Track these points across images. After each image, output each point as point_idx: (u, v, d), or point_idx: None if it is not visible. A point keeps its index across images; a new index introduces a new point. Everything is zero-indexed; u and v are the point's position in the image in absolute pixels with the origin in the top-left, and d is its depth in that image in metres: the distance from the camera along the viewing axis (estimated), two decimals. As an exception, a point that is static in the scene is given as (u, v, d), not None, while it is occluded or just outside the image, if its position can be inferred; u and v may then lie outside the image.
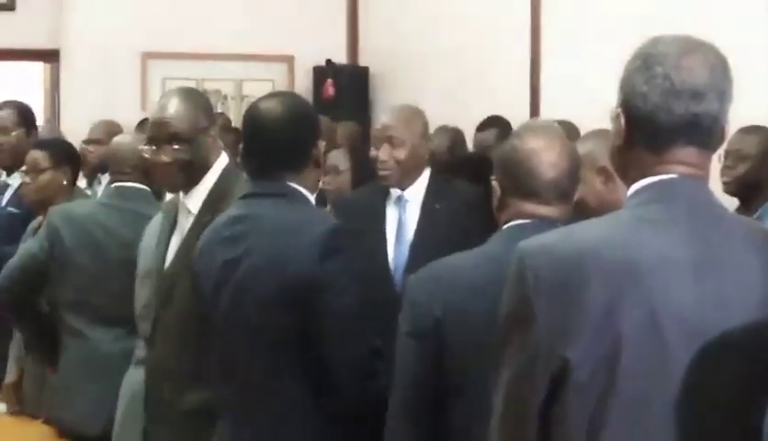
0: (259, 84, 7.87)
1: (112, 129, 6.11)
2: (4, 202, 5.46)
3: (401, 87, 8.18)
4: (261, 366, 2.91)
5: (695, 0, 5.50)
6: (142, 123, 6.13)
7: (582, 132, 3.89)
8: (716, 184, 4.15)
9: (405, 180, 4.27)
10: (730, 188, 4.51)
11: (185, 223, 3.40)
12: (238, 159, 3.40)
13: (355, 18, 8.88)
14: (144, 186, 4.29)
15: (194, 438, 3.19)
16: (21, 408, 4.68)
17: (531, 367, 1.94)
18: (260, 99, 3.10)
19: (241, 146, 3.16)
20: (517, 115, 5.90)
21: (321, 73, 8.59)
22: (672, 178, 2.01)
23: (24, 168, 4.92)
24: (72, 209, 4.44)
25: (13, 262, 4.40)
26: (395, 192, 4.30)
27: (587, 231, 2.02)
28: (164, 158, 3.38)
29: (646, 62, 2.02)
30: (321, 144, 3.10)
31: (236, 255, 2.95)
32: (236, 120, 6.63)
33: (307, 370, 2.86)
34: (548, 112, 6.33)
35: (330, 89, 8.46)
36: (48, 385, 4.44)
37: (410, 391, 2.55)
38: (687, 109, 1.99)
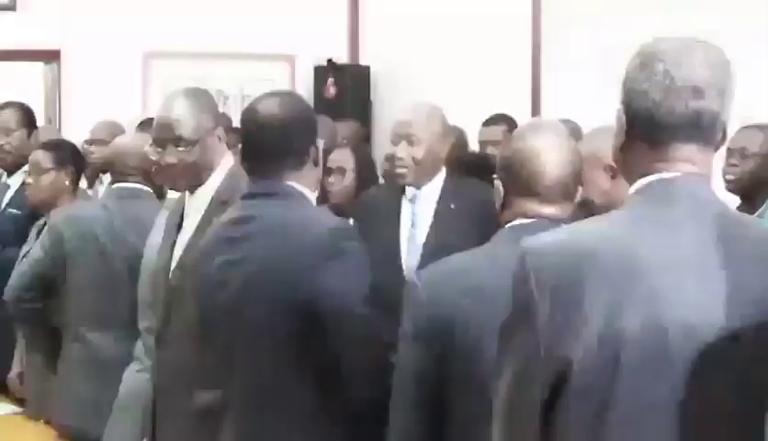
0: (260, 84, 7.84)
1: (113, 129, 6.11)
2: (4, 204, 5.45)
3: (403, 87, 8.17)
4: (264, 366, 2.91)
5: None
6: (144, 123, 6.12)
7: (585, 131, 3.89)
8: (717, 181, 4.14)
9: (421, 179, 4.26)
10: (734, 186, 4.51)
11: (190, 224, 3.40)
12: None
13: (356, 18, 8.87)
14: (146, 187, 4.28)
15: (204, 438, 3.18)
16: (23, 409, 4.68)
17: (532, 368, 1.93)
18: (257, 99, 3.09)
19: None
20: (519, 114, 5.91)
21: (322, 73, 8.58)
22: (673, 176, 2.00)
23: (27, 169, 4.92)
24: (74, 211, 4.45)
25: (21, 269, 4.39)
26: (410, 190, 4.29)
27: (588, 231, 2.01)
28: (170, 159, 3.37)
29: (647, 59, 2.02)
30: (321, 143, 3.09)
31: (237, 256, 2.94)
32: (237, 120, 6.63)
33: (312, 371, 2.86)
34: (550, 111, 6.33)
35: (331, 89, 8.45)
36: (49, 387, 4.44)
37: (412, 392, 2.54)
38: (688, 107, 1.99)
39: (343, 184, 5.20)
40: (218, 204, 3.28)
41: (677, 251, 1.92)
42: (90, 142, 6.24)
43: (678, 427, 1.88)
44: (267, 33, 8.52)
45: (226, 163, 3.43)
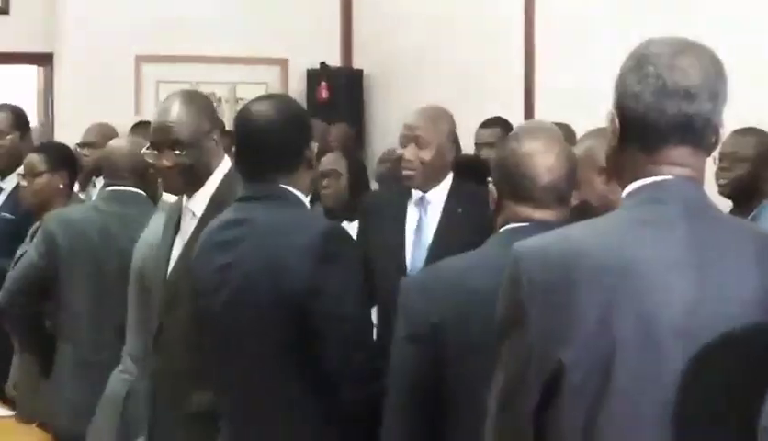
0: (253, 87, 7.86)
1: (106, 132, 6.11)
2: (-4, 207, 5.45)
3: (396, 90, 8.18)
4: (258, 368, 2.91)
5: (692, 0, 5.50)
6: (137, 126, 6.12)
7: (578, 135, 3.88)
8: (709, 186, 4.14)
9: (429, 182, 4.23)
10: (726, 190, 4.51)
11: (188, 227, 3.40)
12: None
13: (349, 21, 8.87)
14: (140, 191, 4.28)
15: (200, 440, 3.18)
16: (14, 412, 4.67)
17: (524, 370, 1.94)
18: (251, 102, 3.09)
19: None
20: (512, 117, 5.91)
21: (315, 76, 8.59)
22: (666, 179, 2.00)
23: (21, 171, 4.91)
24: (68, 213, 4.44)
25: (16, 273, 4.38)
26: (417, 193, 4.27)
27: (581, 234, 2.01)
28: (166, 162, 3.37)
29: (639, 62, 2.03)
30: (314, 146, 3.09)
31: (230, 259, 2.95)
32: (230, 124, 6.64)
33: (306, 373, 2.86)
34: (543, 115, 6.33)
35: (324, 92, 8.45)
36: (42, 389, 4.43)
37: (406, 395, 2.54)
38: (680, 110, 1.99)
39: (336, 187, 5.21)
40: (215, 207, 3.28)
41: (669, 253, 1.93)
42: (82, 145, 6.23)
43: (670, 427, 1.88)
44: (260, 36, 8.52)
45: (223, 167, 3.43)
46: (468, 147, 5.91)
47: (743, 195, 4.49)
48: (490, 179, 2.65)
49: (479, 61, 7.24)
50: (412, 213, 4.26)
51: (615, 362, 1.88)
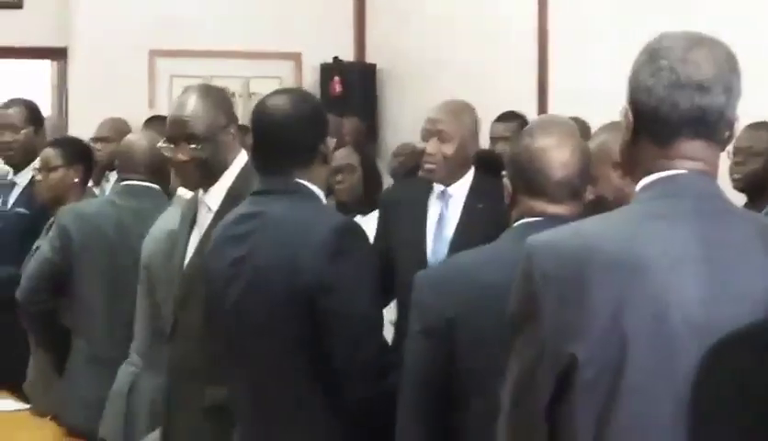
0: (266, 82, 7.85)
1: (120, 126, 6.12)
2: (11, 202, 5.44)
3: (409, 85, 8.18)
4: (270, 364, 2.91)
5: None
6: (150, 121, 6.13)
7: (592, 129, 3.88)
8: (723, 179, 4.14)
9: (450, 176, 4.21)
10: (740, 185, 4.51)
11: (204, 221, 3.40)
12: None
13: (362, 15, 8.87)
14: (154, 184, 4.29)
15: (215, 435, 3.19)
16: (29, 406, 4.68)
17: (537, 365, 1.94)
18: (268, 96, 3.10)
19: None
20: (526, 111, 5.90)
21: (328, 71, 8.58)
22: (679, 173, 2.00)
23: (36, 165, 4.92)
24: (82, 208, 4.45)
25: (31, 269, 4.39)
26: (438, 187, 4.26)
27: (594, 228, 2.01)
28: (182, 156, 3.37)
29: (652, 55, 2.02)
30: (331, 141, 3.09)
31: (244, 253, 2.95)
32: (243, 118, 6.64)
33: (317, 370, 2.86)
34: (557, 108, 6.32)
35: (337, 86, 8.44)
36: (56, 383, 4.44)
37: (420, 391, 2.55)
38: (693, 103, 1.99)
39: (350, 181, 5.20)
40: (231, 201, 3.27)
41: (682, 248, 1.92)
42: (96, 140, 6.23)
43: (683, 424, 1.88)
44: (274, 31, 8.52)
45: (240, 160, 3.43)
46: (482, 143, 5.91)
47: (757, 189, 4.49)
48: (504, 173, 2.65)
49: (492, 55, 7.23)
50: (433, 207, 4.25)
51: (628, 357, 1.87)
